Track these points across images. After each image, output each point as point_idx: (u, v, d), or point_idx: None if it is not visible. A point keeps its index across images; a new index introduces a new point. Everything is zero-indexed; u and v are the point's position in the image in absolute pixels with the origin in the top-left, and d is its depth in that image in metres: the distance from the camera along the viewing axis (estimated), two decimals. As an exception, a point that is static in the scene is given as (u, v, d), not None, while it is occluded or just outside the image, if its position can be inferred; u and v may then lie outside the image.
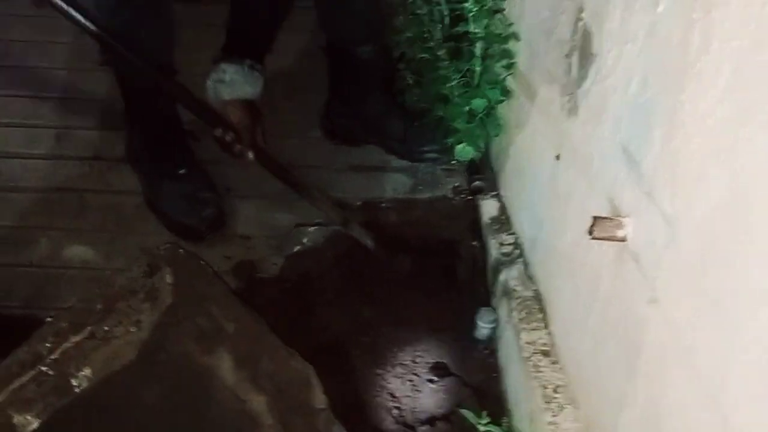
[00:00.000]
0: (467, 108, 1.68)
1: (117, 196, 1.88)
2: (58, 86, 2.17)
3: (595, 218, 1.00)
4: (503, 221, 1.72)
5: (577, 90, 1.20)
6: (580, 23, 1.18)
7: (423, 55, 1.76)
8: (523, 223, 1.60)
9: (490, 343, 1.67)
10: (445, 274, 1.86)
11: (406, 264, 1.83)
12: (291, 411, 1.20)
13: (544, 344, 1.40)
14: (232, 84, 1.56)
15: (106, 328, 1.16)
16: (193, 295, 1.22)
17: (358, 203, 1.92)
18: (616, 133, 1.05)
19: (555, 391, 1.31)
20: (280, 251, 1.81)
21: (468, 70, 1.65)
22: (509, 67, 1.61)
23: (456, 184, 1.94)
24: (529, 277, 1.53)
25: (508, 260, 1.61)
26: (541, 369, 1.35)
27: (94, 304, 1.19)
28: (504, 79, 1.64)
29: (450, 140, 1.74)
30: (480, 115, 1.68)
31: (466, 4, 1.57)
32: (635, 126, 0.97)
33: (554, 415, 1.27)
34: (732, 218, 0.73)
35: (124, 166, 1.91)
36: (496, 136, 1.69)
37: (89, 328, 1.16)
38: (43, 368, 1.11)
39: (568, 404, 1.28)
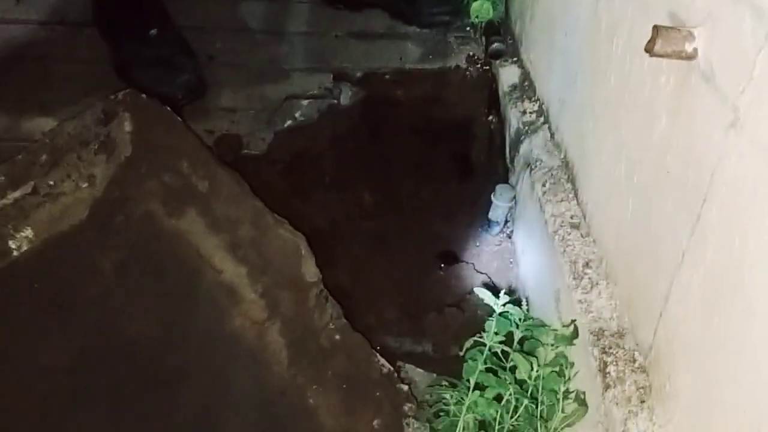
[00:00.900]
0: (486, -46, 1.43)
1: (84, 64, 1.65)
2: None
3: (657, 28, 0.78)
4: (525, 88, 1.49)
5: None
6: None
7: None
8: (550, 84, 1.37)
9: (507, 227, 1.47)
10: (458, 156, 1.65)
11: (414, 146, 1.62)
12: (277, 284, 1.01)
13: (573, 216, 1.20)
14: None
15: (51, 183, 0.97)
16: (158, 147, 1.02)
17: (360, 74, 1.69)
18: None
19: (587, 266, 1.12)
20: (269, 126, 1.60)
21: None
22: None
23: (471, 53, 1.70)
24: (555, 145, 1.32)
25: (531, 129, 1.39)
26: (570, 243, 1.16)
27: (38, 155, 0.99)
28: None
29: (465, -2, 1.51)
30: (501, -38, 1.44)
31: None
32: None
33: (585, 292, 1.08)
34: None
35: (92, 31, 1.67)
36: (520, -15, 1.45)
37: (32, 182, 0.97)
38: (-26, 227, 0.92)
39: (602, 280, 1.09)
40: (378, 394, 1.09)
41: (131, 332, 0.97)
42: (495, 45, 1.54)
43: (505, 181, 1.50)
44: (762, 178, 0.67)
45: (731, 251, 0.72)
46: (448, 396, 1.12)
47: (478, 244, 1.51)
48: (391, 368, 1.18)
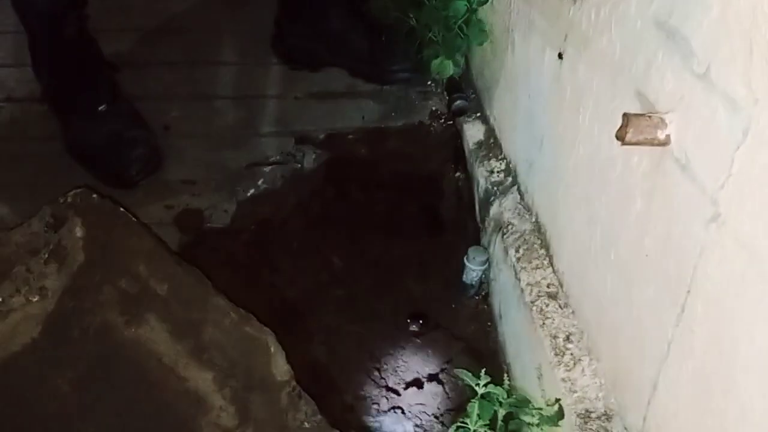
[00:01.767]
0: (445, 13, 1.41)
1: (34, 143, 1.59)
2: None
3: (628, 116, 0.75)
4: (491, 145, 1.47)
5: (586, -38, 0.94)
6: None
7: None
8: (516, 144, 1.35)
9: (482, 288, 1.44)
10: (427, 213, 1.62)
11: (381, 205, 1.59)
12: (246, 388, 0.95)
13: (549, 285, 1.17)
14: None
15: (-1, 300, 0.90)
16: (113, 251, 0.96)
17: (322, 136, 1.65)
18: (647, 7, 0.80)
19: (567, 341, 1.08)
20: (231, 196, 1.54)
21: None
22: (492, -43, 1.34)
23: (433, 108, 1.68)
24: (526, 207, 1.29)
25: (499, 189, 1.37)
26: (548, 315, 1.12)
27: (-17, 269, 0.93)
28: (486, -27, 1.37)
29: (425, 55, 1.48)
30: (460, 21, 1.41)
31: None
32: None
33: (568, 370, 1.05)
34: None
35: (42, 107, 1.61)
36: (481, 44, 1.43)
37: (-23, 300, 0.90)
38: None
39: (585, 356, 1.05)
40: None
41: (93, 452, 0.90)
42: (458, 103, 1.52)
43: (477, 240, 1.47)
44: (750, 281, 0.64)
45: (721, 351, 0.69)
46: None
47: (453, 305, 1.47)
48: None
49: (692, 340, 0.74)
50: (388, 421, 1.28)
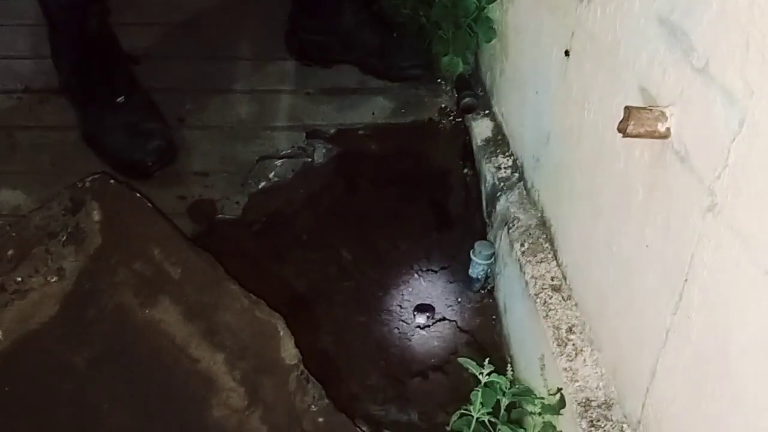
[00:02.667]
0: (454, 11, 1.43)
1: (51, 132, 1.62)
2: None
3: (630, 109, 0.78)
4: (499, 142, 1.49)
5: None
6: None
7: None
8: (523, 140, 1.37)
9: (488, 282, 1.46)
10: (434, 208, 1.64)
11: (390, 199, 1.61)
12: (256, 370, 0.98)
13: (554, 278, 1.19)
14: None
15: (19, 279, 0.94)
16: (128, 235, 1.00)
17: (333, 131, 1.68)
18: (651, 4, 0.82)
19: (569, 332, 1.10)
20: (243, 188, 1.57)
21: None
22: (502, -43, 1.37)
23: (442, 105, 1.70)
24: (532, 202, 1.31)
25: (506, 185, 1.39)
26: (552, 307, 1.15)
27: (4, 250, 0.96)
28: (496, -27, 1.40)
29: (435, 52, 1.50)
30: (469, 19, 1.44)
31: None
32: (681, -16, 0.75)
33: (570, 360, 1.07)
34: None
35: (59, 98, 1.65)
36: (489, 42, 1.45)
37: (-2, 280, 0.93)
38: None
39: (587, 346, 1.08)
40: (365, 473, 1.06)
41: (108, 429, 0.93)
42: (466, 100, 1.54)
43: (483, 235, 1.49)
44: (742, 268, 0.66)
45: (717, 337, 0.71)
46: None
47: (459, 300, 1.49)
48: (376, 446, 1.15)
49: (689, 327, 0.76)
50: (393, 409, 1.30)
